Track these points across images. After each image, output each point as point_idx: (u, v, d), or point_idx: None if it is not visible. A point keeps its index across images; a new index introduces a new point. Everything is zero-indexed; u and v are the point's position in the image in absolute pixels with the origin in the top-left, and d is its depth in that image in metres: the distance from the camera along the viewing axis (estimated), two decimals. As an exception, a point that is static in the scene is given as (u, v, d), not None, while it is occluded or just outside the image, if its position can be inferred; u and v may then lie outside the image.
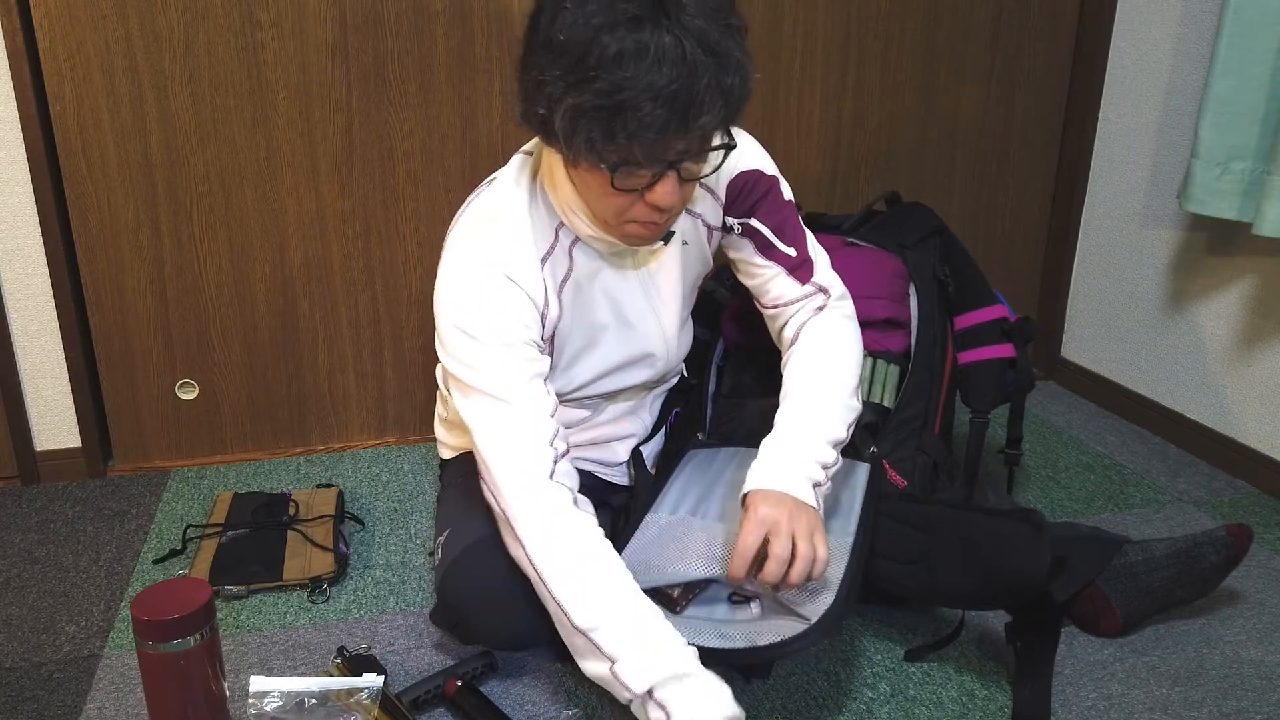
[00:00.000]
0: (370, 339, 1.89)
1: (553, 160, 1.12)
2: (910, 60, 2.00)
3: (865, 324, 1.47)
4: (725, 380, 1.53)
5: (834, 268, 1.48)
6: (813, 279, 1.30)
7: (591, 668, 1.05)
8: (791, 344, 1.29)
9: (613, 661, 1.02)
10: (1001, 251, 2.21)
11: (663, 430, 1.51)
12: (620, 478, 1.45)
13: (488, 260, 1.12)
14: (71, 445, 1.82)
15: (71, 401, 1.80)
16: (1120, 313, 2.08)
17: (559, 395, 1.26)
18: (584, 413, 1.37)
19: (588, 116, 0.95)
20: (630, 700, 1.02)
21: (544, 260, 1.16)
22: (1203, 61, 1.81)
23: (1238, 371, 1.80)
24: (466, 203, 1.20)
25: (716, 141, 1.04)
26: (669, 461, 1.43)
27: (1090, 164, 2.12)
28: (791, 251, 1.29)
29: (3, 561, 1.55)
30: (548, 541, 1.07)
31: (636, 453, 1.47)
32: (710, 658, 1.06)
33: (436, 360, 1.52)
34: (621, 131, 0.94)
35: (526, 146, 1.21)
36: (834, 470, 1.18)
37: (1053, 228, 2.21)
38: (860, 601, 1.40)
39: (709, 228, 1.29)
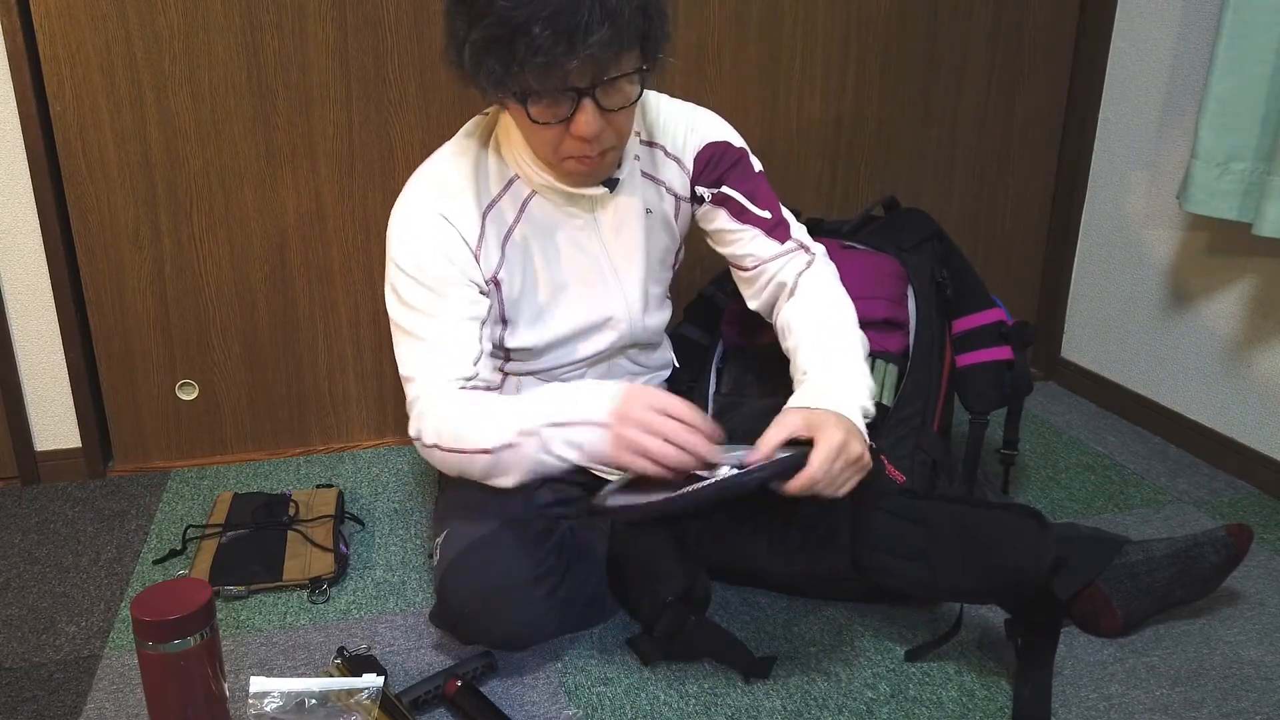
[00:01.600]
0: (370, 339, 1.89)
1: (504, 113, 1.18)
2: (910, 60, 2.00)
3: (865, 324, 1.47)
4: (725, 381, 1.53)
5: None
6: (791, 237, 1.33)
7: (520, 465, 1.12)
8: (791, 293, 1.30)
9: (526, 436, 1.09)
10: (1001, 251, 2.21)
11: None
12: (616, 473, 1.45)
13: (425, 202, 1.20)
14: (71, 445, 1.82)
15: (71, 402, 1.80)
16: (1120, 313, 2.08)
17: (532, 361, 1.32)
18: None
19: (485, 50, 1.01)
20: (549, 447, 1.09)
21: (488, 209, 1.22)
22: (1203, 61, 1.81)
23: (1238, 372, 1.80)
24: (452, 140, 1.27)
25: (630, 70, 1.07)
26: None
27: (1090, 164, 2.12)
28: (766, 214, 1.32)
29: (2, 562, 1.55)
30: (439, 427, 1.15)
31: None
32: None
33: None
34: (514, 60, 1.00)
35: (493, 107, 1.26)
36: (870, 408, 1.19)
37: (1053, 228, 2.21)
38: (861, 600, 1.40)
39: (676, 197, 1.33)
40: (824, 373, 1.19)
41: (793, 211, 1.75)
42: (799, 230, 1.35)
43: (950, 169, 2.11)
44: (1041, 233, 2.22)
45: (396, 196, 1.85)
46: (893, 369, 1.46)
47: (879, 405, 1.41)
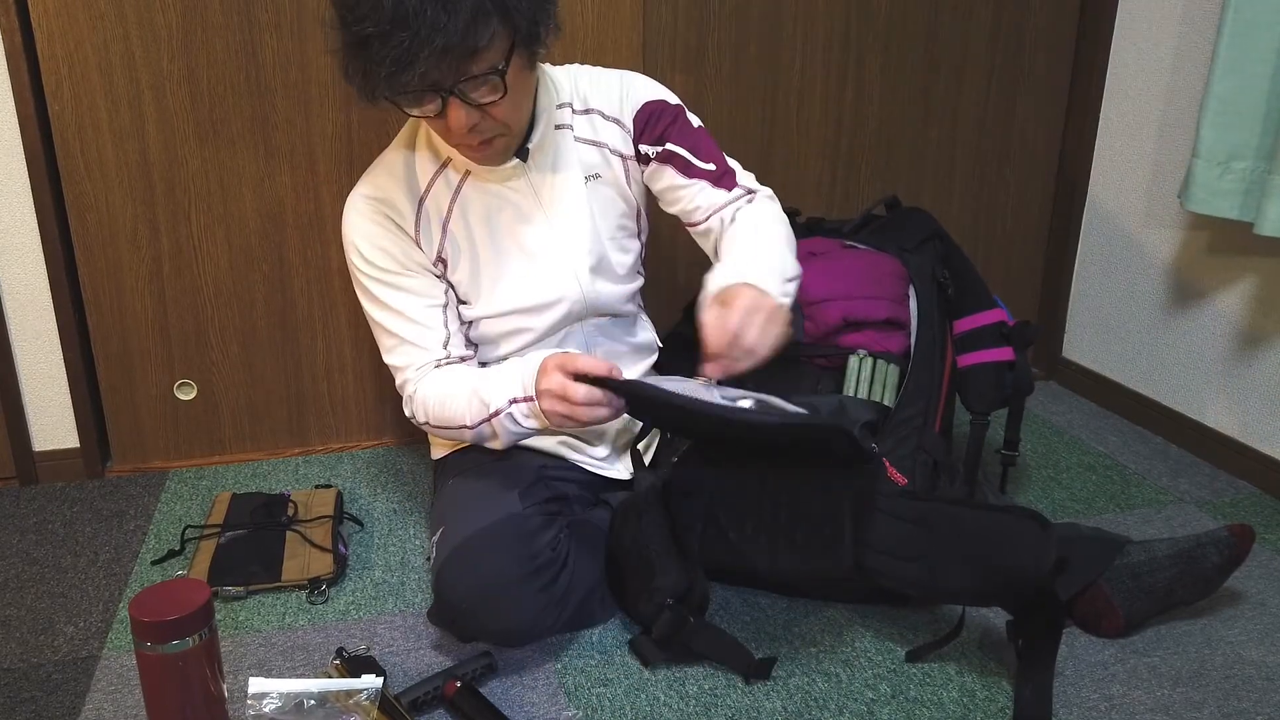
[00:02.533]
0: (369, 339, 1.89)
1: None
2: (910, 60, 2.00)
3: (866, 324, 1.47)
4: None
5: (834, 270, 1.49)
6: (738, 184, 1.36)
7: (500, 435, 1.26)
8: (730, 223, 1.34)
9: (495, 413, 1.22)
10: (1002, 251, 2.21)
11: (659, 431, 1.51)
12: (614, 470, 1.45)
13: (365, 202, 1.29)
14: (70, 446, 1.82)
15: (70, 402, 1.79)
16: (1121, 313, 2.07)
17: (497, 343, 1.37)
18: None
19: (347, 62, 1.09)
20: (514, 414, 1.21)
21: (423, 195, 1.29)
22: (1203, 61, 1.81)
23: (1239, 371, 1.80)
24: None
25: (489, 68, 1.09)
26: (669, 461, 1.42)
27: (1090, 164, 2.11)
28: (711, 166, 1.35)
29: (1, 562, 1.55)
30: (426, 406, 1.30)
31: (635, 452, 1.47)
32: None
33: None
34: (369, 69, 1.06)
35: None
36: (796, 286, 1.24)
37: (1053, 228, 2.21)
38: (861, 601, 1.40)
39: (622, 157, 1.35)
40: (737, 256, 1.24)
41: (793, 211, 1.76)
42: (745, 177, 1.38)
43: (950, 169, 2.10)
44: (1042, 232, 2.22)
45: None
46: (894, 369, 1.46)
47: (880, 407, 1.41)
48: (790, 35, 1.91)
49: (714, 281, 1.19)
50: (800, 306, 1.46)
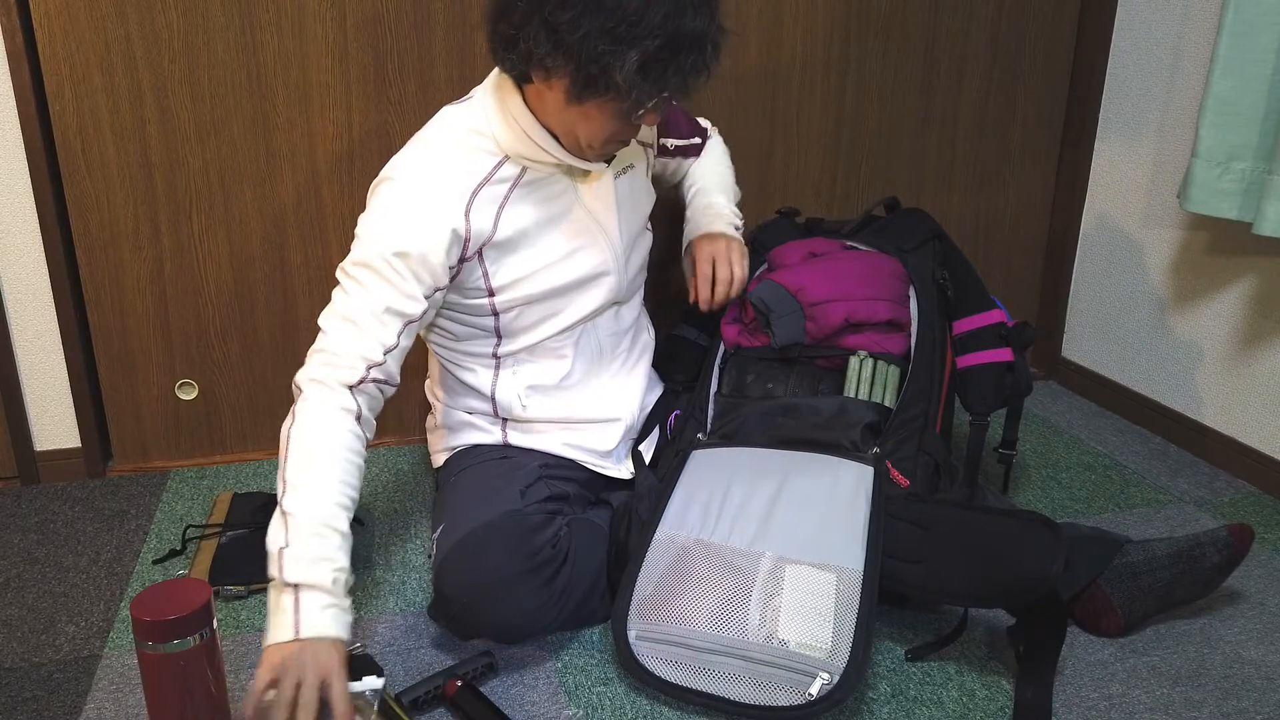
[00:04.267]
0: (370, 339, 1.89)
1: (506, 99, 1.26)
2: (910, 60, 2.00)
3: (868, 325, 1.47)
4: (725, 381, 1.53)
5: (836, 271, 1.51)
6: (704, 139, 1.66)
7: (272, 536, 1.12)
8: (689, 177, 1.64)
9: (286, 546, 1.10)
10: (1002, 251, 2.21)
11: (657, 430, 1.51)
12: (615, 470, 1.46)
13: (417, 185, 1.25)
14: (71, 445, 1.82)
15: (71, 402, 1.80)
16: (1120, 313, 2.07)
17: (526, 333, 1.38)
18: (561, 365, 1.41)
19: (644, 70, 1.12)
20: (273, 580, 1.09)
21: (478, 189, 1.28)
22: (1203, 61, 1.81)
23: (1239, 371, 1.80)
24: (436, 119, 1.33)
25: None
26: (671, 462, 1.43)
27: (1090, 164, 2.12)
28: (697, 140, 1.64)
29: (2, 562, 1.55)
30: (300, 427, 1.16)
31: (636, 453, 1.47)
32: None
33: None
34: (665, 77, 1.14)
35: (478, 92, 1.33)
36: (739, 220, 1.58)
37: (1053, 227, 2.21)
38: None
39: (645, 146, 1.50)
40: (711, 205, 1.59)
41: (793, 211, 1.76)
42: (709, 129, 1.68)
43: (950, 169, 2.11)
44: (1042, 232, 2.22)
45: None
46: (894, 370, 1.46)
47: (881, 408, 1.42)
48: (790, 35, 1.91)
49: (694, 229, 1.56)
50: (802, 308, 1.47)
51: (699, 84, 1.18)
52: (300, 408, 1.18)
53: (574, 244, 1.35)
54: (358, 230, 1.26)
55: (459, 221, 1.25)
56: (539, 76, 1.19)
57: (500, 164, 1.29)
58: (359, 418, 1.19)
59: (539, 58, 1.15)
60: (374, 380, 1.21)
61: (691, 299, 1.51)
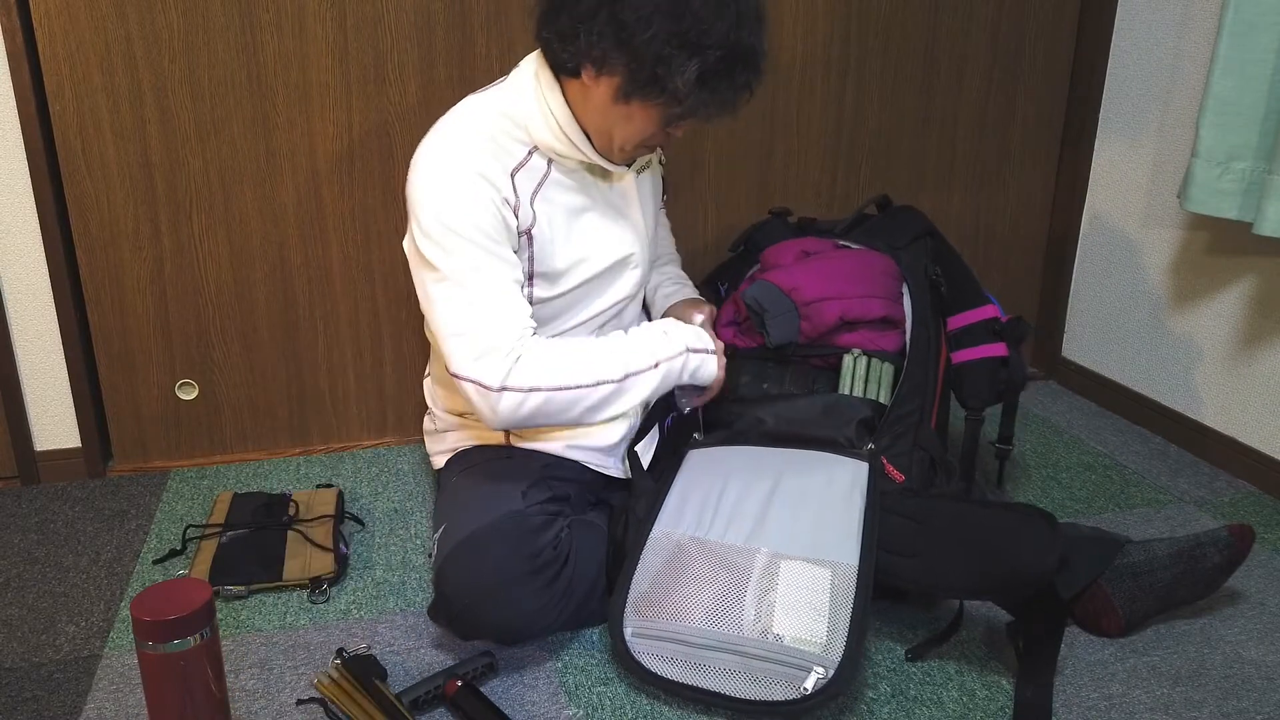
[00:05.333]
0: (370, 339, 1.89)
1: (546, 92, 1.26)
2: (910, 60, 2.00)
3: (862, 323, 1.48)
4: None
5: (829, 270, 1.51)
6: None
7: (643, 391, 1.30)
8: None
9: (656, 363, 1.30)
10: (1002, 251, 2.21)
11: (655, 430, 1.51)
12: (615, 470, 1.46)
13: (463, 161, 1.24)
14: (71, 445, 1.82)
15: (71, 402, 1.80)
16: (1120, 313, 2.07)
17: (551, 318, 1.38)
18: None
19: (703, 79, 1.15)
20: (686, 363, 1.34)
21: (515, 171, 1.28)
22: (1203, 61, 1.81)
23: (1239, 371, 1.80)
24: (462, 104, 1.32)
25: None
26: (667, 462, 1.43)
27: (1090, 164, 2.12)
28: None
29: (2, 562, 1.55)
30: (542, 369, 1.23)
31: (633, 453, 1.47)
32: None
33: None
34: (728, 89, 1.17)
35: (513, 80, 1.32)
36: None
37: (1053, 227, 2.21)
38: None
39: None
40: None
41: (784, 211, 1.77)
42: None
43: (950, 169, 2.11)
44: (1042, 232, 2.22)
45: (396, 196, 1.86)
46: (889, 367, 1.46)
47: (876, 404, 1.42)
48: (790, 35, 1.91)
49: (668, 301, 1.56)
50: (796, 307, 1.47)
51: (745, 101, 1.21)
52: (536, 368, 1.23)
53: (607, 230, 1.37)
54: (423, 225, 1.23)
55: (509, 192, 1.26)
56: (590, 71, 1.19)
57: (531, 154, 1.29)
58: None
59: (599, 52, 1.16)
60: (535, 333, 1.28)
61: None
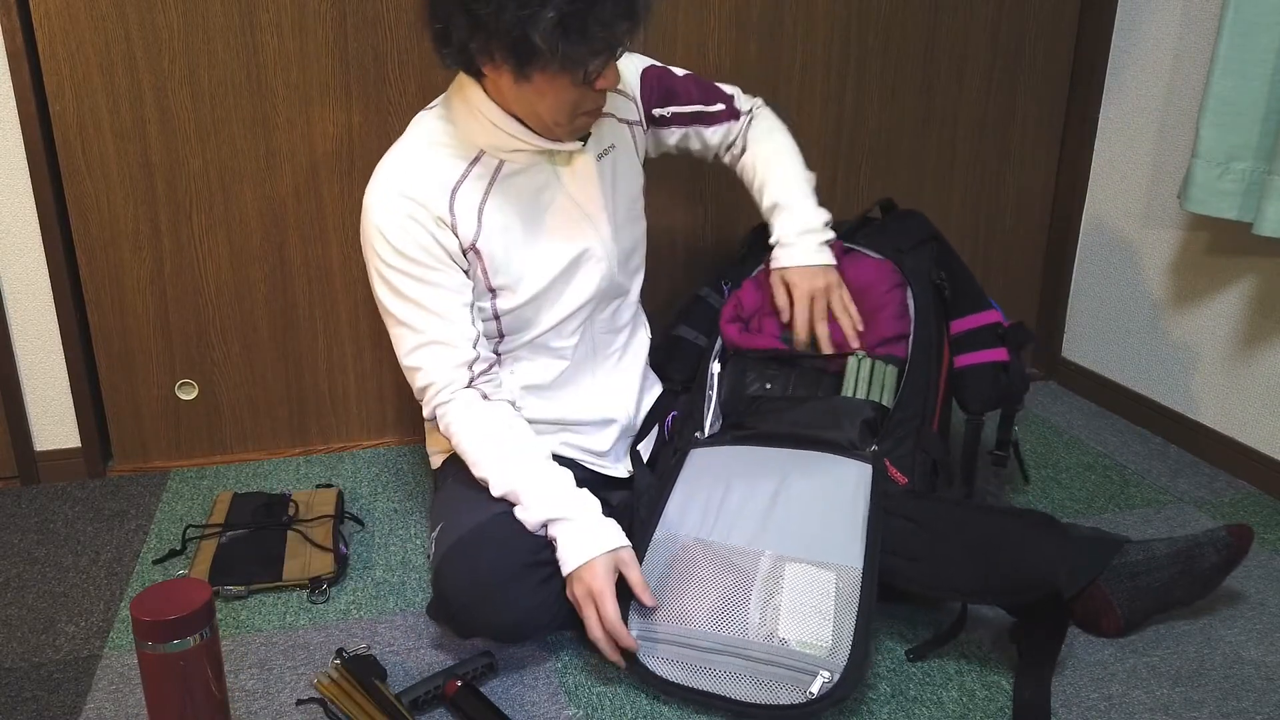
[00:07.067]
0: (370, 339, 1.89)
1: (469, 94, 1.26)
2: (910, 60, 2.00)
3: (875, 344, 1.48)
4: (724, 381, 1.53)
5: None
6: (741, 111, 1.54)
7: (521, 514, 1.25)
8: (744, 148, 1.55)
9: (524, 508, 1.24)
10: (1002, 251, 2.21)
11: (656, 430, 1.51)
12: (614, 469, 1.46)
13: (392, 191, 1.26)
14: (71, 445, 1.82)
15: (71, 402, 1.80)
16: (1120, 313, 2.07)
17: (525, 331, 1.38)
18: (558, 364, 1.42)
19: (561, 29, 1.09)
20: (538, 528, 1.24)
21: (456, 185, 1.28)
22: (1203, 61, 1.81)
23: (1238, 371, 1.80)
24: (411, 124, 1.34)
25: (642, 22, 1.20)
26: (669, 461, 1.43)
27: (1090, 164, 2.12)
28: (720, 106, 1.52)
29: (2, 561, 1.55)
30: (466, 431, 1.28)
31: (635, 452, 1.47)
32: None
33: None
34: (585, 35, 1.10)
35: (449, 91, 1.33)
36: (828, 218, 1.48)
37: (1053, 227, 2.21)
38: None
39: (629, 124, 1.44)
40: (786, 225, 1.48)
41: None
42: (740, 99, 1.55)
43: (950, 169, 2.11)
44: (1042, 233, 2.22)
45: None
46: (892, 370, 1.46)
47: (879, 406, 1.42)
48: (790, 35, 1.91)
49: (784, 258, 1.47)
50: None
51: (627, 34, 1.15)
52: (449, 429, 1.29)
53: (559, 229, 1.35)
54: (370, 263, 1.29)
55: (445, 214, 1.27)
56: (485, 65, 1.19)
57: (473, 162, 1.29)
58: (485, 397, 1.30)
59: (473, 45, 1.16)
60: (479, 372, 1.30)
61: (786, 324, 1.47)
